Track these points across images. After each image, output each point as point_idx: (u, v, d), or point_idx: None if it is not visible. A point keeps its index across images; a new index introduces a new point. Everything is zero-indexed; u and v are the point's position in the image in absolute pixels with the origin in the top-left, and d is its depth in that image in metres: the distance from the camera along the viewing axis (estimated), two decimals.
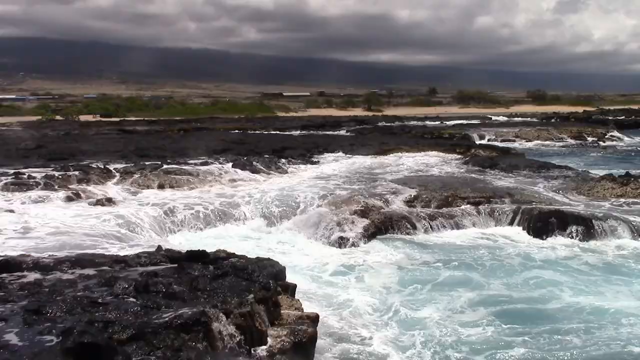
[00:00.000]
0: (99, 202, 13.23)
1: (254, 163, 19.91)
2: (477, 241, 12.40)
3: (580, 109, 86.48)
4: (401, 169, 20.47)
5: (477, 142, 35.34)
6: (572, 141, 37.97)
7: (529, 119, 63.89)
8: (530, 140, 37.75)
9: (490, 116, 73.06)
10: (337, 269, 10.58)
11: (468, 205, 13.96)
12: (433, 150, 25.88)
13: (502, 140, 36.55)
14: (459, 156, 24.09)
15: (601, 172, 18.83)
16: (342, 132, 44.48)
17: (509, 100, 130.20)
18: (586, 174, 18.60)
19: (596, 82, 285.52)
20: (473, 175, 18.75)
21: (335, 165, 21.72)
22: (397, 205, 14.14)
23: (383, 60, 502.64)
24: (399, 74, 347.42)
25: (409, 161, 22.74)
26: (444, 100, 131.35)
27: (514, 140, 37.34)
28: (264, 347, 6.26)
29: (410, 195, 14.68)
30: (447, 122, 56.20)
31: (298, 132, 46.33)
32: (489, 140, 37.43)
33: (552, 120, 60.03)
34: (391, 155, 24.93)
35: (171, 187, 15.61)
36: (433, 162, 22.48)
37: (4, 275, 6.82)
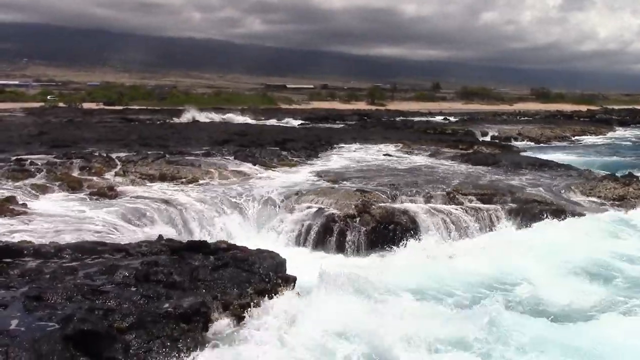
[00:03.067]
0: (100, 191, 13.22)
1: (257, 155, 19.95)
2: None
3: (584, 108, 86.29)
4: (403, 163, 20.43)
5: (480, 138, 35.28)
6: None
7: (531, 118, 63.63)
8: (533, 138, 37.66)
9: (495, 112, 72.74)
10: None
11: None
12: (436, 145, 25.81)
13: (505, 138, 36.44)
14: (462, 152, 24.03)
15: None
16: (345, 126, 44.33)
17: (513, 98, 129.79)
18: (588, 173, 18.53)
19: (600, 81, 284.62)
20: (475, 171, 18.70)
21: (336, 159, 21.67)
22: (400, 201, 14.12)
23: (387, 54, 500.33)
24: (403, 68, 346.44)
25: (411, 156, 22.72)
26: (448, 95, 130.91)
27: (517, 138, 37.26)
28: None
29: (412, 191, 14.66)
30: (451, 118, 55.99)
31: (298, 123, 46.29)
32: (492, 137, 37.33)
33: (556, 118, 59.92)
34: (394, 149, 24.86)
35: (173, 177, 15.59)
36: (435, 157, 22.42)
37: (5, 260, 6.84)
